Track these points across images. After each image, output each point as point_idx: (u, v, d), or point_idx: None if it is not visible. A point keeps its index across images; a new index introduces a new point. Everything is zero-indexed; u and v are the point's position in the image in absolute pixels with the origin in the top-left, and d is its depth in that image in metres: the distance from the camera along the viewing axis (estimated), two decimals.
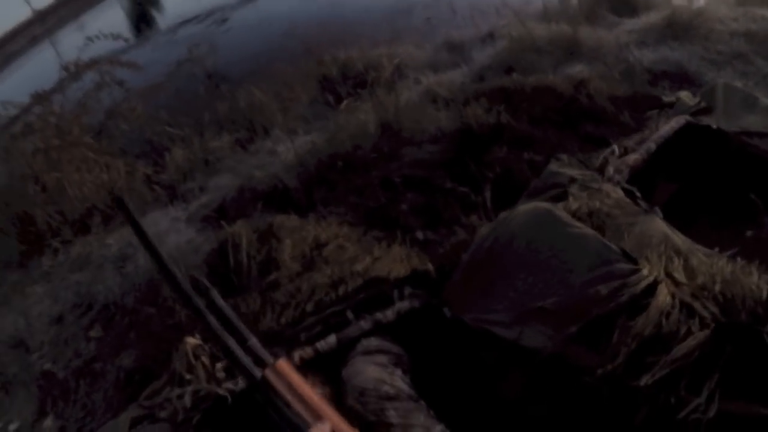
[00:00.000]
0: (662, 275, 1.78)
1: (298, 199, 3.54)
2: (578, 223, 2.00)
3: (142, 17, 13.91)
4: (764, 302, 1.66)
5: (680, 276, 1.79)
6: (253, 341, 0.97)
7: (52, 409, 2.76)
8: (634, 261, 1.82)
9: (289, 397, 0.92)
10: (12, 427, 2.77)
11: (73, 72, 5.82)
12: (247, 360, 0.95)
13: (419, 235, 3.06)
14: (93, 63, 5.92)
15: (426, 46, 6.02)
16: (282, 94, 4.84)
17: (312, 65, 5.47)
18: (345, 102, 4.40)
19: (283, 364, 0.95)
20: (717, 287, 1.72)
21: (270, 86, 5.12)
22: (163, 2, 15.39)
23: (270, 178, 3.82)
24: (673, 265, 1.83)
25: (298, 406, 0.91)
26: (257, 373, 0.94)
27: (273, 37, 7.23)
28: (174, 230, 3.62)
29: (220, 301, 0.99)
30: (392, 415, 1.64)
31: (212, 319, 0.96)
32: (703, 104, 3.09)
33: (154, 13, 14.48)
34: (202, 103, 5.43)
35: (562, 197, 2.41)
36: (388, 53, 5.42)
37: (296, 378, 0.94)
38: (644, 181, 2.52)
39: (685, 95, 3.41)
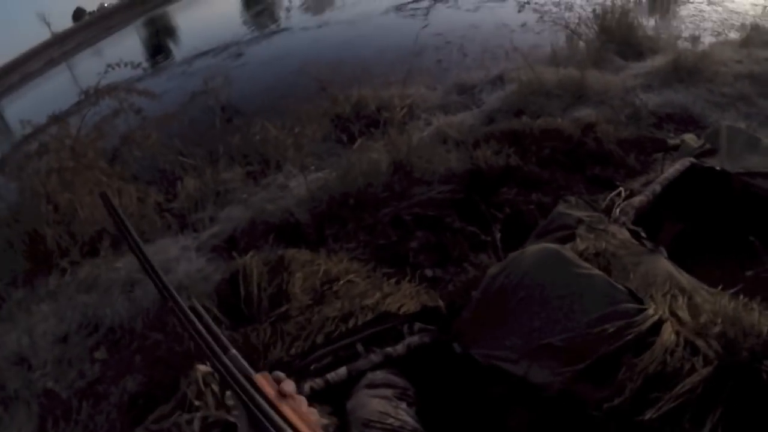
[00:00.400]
0: (667, 314, 1.83)
1: (309, 234, 3.58)
2: (586, 264, 2.05)
3: (158, 48, 14.18)
4: (764, 340, 1.70)
5: (684, 314, 1.83)
6: (234, 352, 0.99)
7: (53, 429, 2.74)
8: (640, 300, 1.87)
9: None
10: None
11: (91, 96, 5.93)
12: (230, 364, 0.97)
13: (428, 272, 3.09)
14: (111, 89, 6.04)
15: (437, 88, 6.16)
16: (295, 129, 4.90)
17: (325, 103, 5.58)
18: (359, 141, 4.46)
19: (263, 377, 0.97)
20: (719, 325, 1.77)
21: (283, 122, 5.18)
22: (180, 34, 15.73)
23: (281, 212, 3.87)
24: (677, 304, 1.88)
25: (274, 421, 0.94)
26: (243, 379, 0.96)
27: (287, 74, 7.40)
28: (184, 258, 3.65)
29: (203, 312, 1.01)
30: None
31: (198, 324, 0.98)
32: (707, 146, 3.14)
33: (171, 45, 14.76)
34: (216, 135, 5.54)
35: (569, 238, 2.47)
36: (400, 94, 5.52)
37: (272, 393, 0.97)
38: (650, 222, 2.59)
39: (689, 137, 3.47)
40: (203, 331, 0.97)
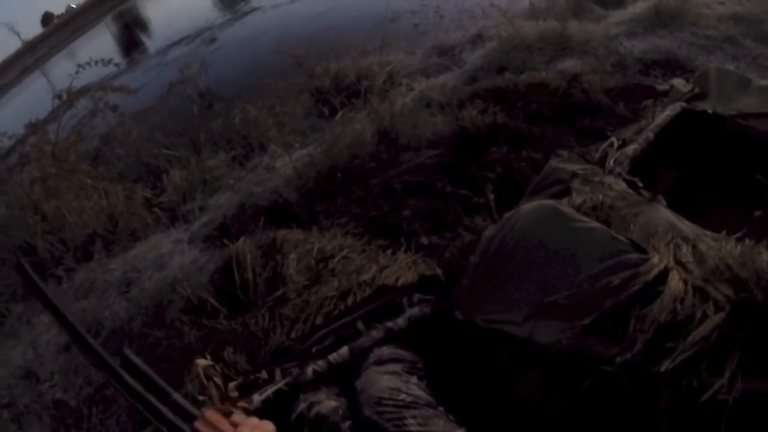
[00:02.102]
0: (672, 263, 1.77)
1: (299, 213, 3.52)
2: (584, 218, 1.99)
3: (131, 42, 13.97)
4: None
5: (690, 262, 1.78)
6: (176, 396, 0.95)
7: None
8: (643, 251, 1.81)
9: None
10: None
11: (65, 100, 5.83)
12: (172, 415, 0.93)
13: (424, 240, 3.04)
14: (85, 90, 5.92)
15: (416, 52, 6.03)
16: (276, 108, 4.82)
17: (304, 78, 5.47)
18: (340, 113, 4.38)
19: (210, 413, 0.93)
20: (728, 270, 1.71)
21: (263, 102, 5.10)
22: (152, 26, 15.48)
23: (270, 194, 3.81)
24: (682, 252, 1.82)
25: None
26: (187, 428, 0.92)
27: (263, 53, 7.26)
28: (177, 252, 3.61)
29: (137, 360, 0.96)
30: (411, 423, 1.61)
31: (130, 379, 0.94)
32: (697, 90, 3.06)
33: (143, 37, 14.52)
34: (197, 123, 5.44)
35: (564, 193, 2.40)
36: (379, 61, 5.42)
37: (226, 424, 0.94)
38: (645, 171, 2.52)
39: (678, 82, 3.38)
40: (136, 386, 0.92)
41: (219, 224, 3.76)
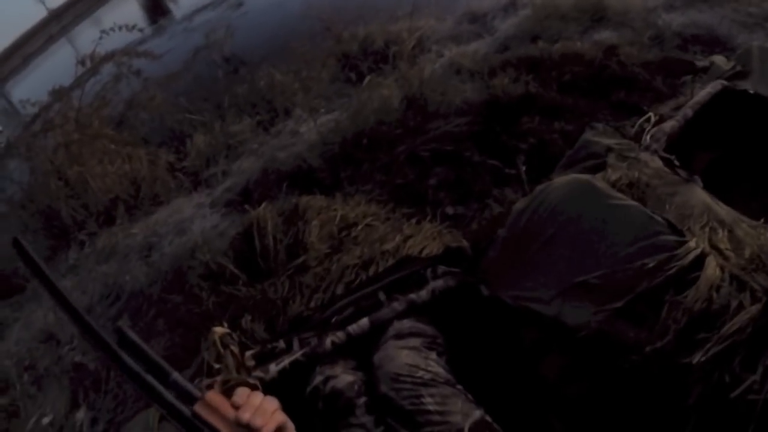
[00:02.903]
0: (708, 248, 1.66)
1: (323, 179, 3.45)
2: (619, 195, 1.88)
3: (157, 8, 13.91)
4: None
5: (726, 248, 1.68)
6: (175, 376, 0.86)
7: (84, 401, 2.74)
8: (680, 233, 1.70)
9: (225, 430, 0.84)
10: (45, 420, 2.75)
11: (89, 65, 5.80)
12: (171, 397, 0.85)
13: (449, 210, 2.96)
14: (109, 56, 5.88)
15: (447, 18, 5.85)
16: (302, 73, 4.73)
17: (331, 43, 5.36)
18: (367, 78, 4.26)
19: (212, 395, 0.85)
20: (766, 259, 1.62)
21: (289, 67, 5.02)
22: None
23: (294, 159, 3.73)
24: (718, 237, 1.72)
25: None
26: (186, 410, 0.84)
27: (289, 18, 7.11)
28: (198, 216, 3.58)
29: (135, 337, 0.88)
30: (429, 402, 1.53)
31: (127, 358, 0.86)
32: (738, 68, 2.90)
33: (169, 3, 14.46)
34: (222, 88, 5.38)
35: (599, 168, 2.27)
36: (408, 27, 5.23)
37: (228, 408, 0.85)
38: (681, 149, 2.37)
39: (719, 59, 3.21)
40: (134, 366, 0.85)
41: (241, 189, 3.72)
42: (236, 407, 0.86)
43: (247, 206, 3.21)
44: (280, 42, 5.89)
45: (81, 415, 2.69)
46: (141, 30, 7.52)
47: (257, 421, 0.85)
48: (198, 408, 0.84)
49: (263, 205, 2.92)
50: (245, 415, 0.85)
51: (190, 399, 0.85)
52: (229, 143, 4.40)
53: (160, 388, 0.84)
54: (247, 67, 5.74)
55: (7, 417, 2.80)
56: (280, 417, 0.90)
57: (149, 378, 0.84)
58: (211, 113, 4.94)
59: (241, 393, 0.88)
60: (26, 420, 2.74)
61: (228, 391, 0.89)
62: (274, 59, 5.44)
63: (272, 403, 0.90)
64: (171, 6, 14.15)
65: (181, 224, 3.54)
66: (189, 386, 0.86)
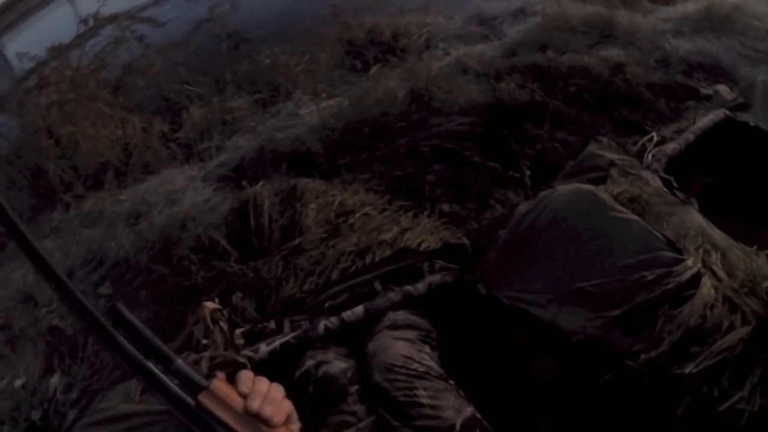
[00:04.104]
0: (703, 268, 1.72)
1: (321, 164, 3.42)
2: (622, 208, 1.93)
3: None
4: None
5: (720, 271, 1.75)
6: (179, 363, 0.81)
7: (59, 366, 2.69)
8: (678, 250, 1.76)
9: (232, 422, 0.79)
10: (18, 382, 2.69)
11: (91, 25, 5.70)
12: (174, 386, 0.80)
13: (445, 207, 2.96)
14: (112, 18, 5.79)
15: (456, 18, 5.82)
16: (306, 56, 4.68)
17: (338, 29, 5.29)
18: (374, 68, 4.24)
19: (218, 384, 0.81)
20: (757, 285, 1.68)
21: (293, 48, 4.97)
22: None
23: (292, 141, 3.68)
24: (711, 259, 1.78)
25: None
26: (190, 399, 0.79)
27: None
28: (190, 189, 3.51)
29: (132, 317, 0.82)
30: (422, 395, 1.52)
31: (124, 342, 0.80)
32: (740, 99, 2.98)
33: None
34: (222, 62, 5.28)
35: (602, 180, 2.35)
36: (417, 22, 5.25)
37: (235, 397, 0.82)
38: (680, 172, 2.46)
39: (722, 89, 3.29)
40: (128, 348, 0.80)
41: (236, 165, 3.65)
42: (243, 395, 0.82)
43: (244, 182, 3.19)
44: (286, 23, 5.83)
45: (55, 380, 2.63)
46: None
47: (267, 411, 0.80)
48: (203, 398, 0.79)
49: (260, 183, 2.89)
50: (254, 404, 0.80)
51: (194, 388, 0.80)
52: (225, 119, 4.32)
53: (161, 375, 0.79)
54: (249, 44, 5.65)
55: None
56: (288, 406, 0.86)
57: (149, 364, 0.79)
58: (210, 87, 4.85)
59: (245, 379, 0.84)
60: None
61: (216, 368, 0.85)
62: (278, 39, 5.37)
63: (279, 391, 0.85)
64: None
65: (172, 195, 3.47)
66: (194, 374, 0.81)
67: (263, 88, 4.66)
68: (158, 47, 5.66)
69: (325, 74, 4.60)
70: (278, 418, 0.82)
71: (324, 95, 4.22)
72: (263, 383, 0.85)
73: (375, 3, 5.92)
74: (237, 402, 0.80)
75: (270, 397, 0.83)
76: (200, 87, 4.85)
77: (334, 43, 5.05)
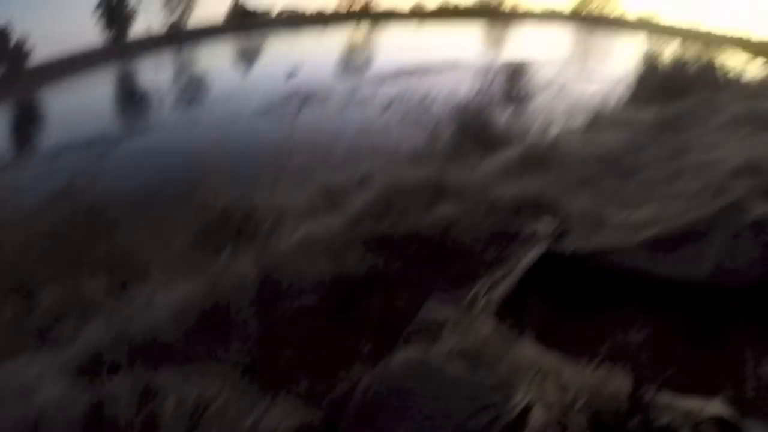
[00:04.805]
0: (535, 397, 2.05)
1: (179, 350, 3.55)
2: (451, 365, 2.30)
3: (24, 137, 13.44)
4: (626, 405, 2.01)
5: (552, 395, 2.08)
6: None
7: None
8: (506, 391, 2.10)
9: None
10: None
11: None
12: None
13: (303, 385, 3.15)
14: None
15: (305, 189, 6.27)
16: (162, 237, 4.88)
17: (194, 208, 5.55)
18: (225, 251, 4.54)
19: None
20: (585, 399, 2.04)
21: (150, 228, 5.18)
22: (48, 124, 14.98)
23: (149, 328, 3.79)
24: (545, 385, 2.13)
25: None
26: None
27: (156, 173, 7.31)
28: (42, 384, 3.41)
29: None
30: None
31: None
32: (560, 230, 3.62)
33: (37, 136, 13.96)
34: (79, 240, 5.32)
35: (438, 337, 2.70)
36: (268, 197, 5.64)
37: None
38: (516, 306, 2.92)
39: (543, 224, 3.96)
40: None
41: (91, 356, 3.64)
42: None
43: (99, 378, 3.22)
44: (144, 200, 6.03)
45: None
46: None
47: None
48: None
49: (116, 378, 2.96)
50: None
51: None
52: (81, 302, 4.35)
53: None
54: (107, 221, 5.72)
55: None
56: None
57: None
58: (65, 267, 4.87)
59: None
60: None
61: None
62: (135, 216, 5.54)
63: None
64: (38, 139, 13.62)
65: (21, 391, 3.36)
66: None
67: (119, 269, 4.76)
68: (11, 222, 5.59)
69: (179, 256, 4.80)
70: None
71: (179, 279, 4.37)
72: None
73: (229, 178, 6.17)
74: None
75: None
76: (55, 267, 4.85)
77: (189, 224, 5.30)
